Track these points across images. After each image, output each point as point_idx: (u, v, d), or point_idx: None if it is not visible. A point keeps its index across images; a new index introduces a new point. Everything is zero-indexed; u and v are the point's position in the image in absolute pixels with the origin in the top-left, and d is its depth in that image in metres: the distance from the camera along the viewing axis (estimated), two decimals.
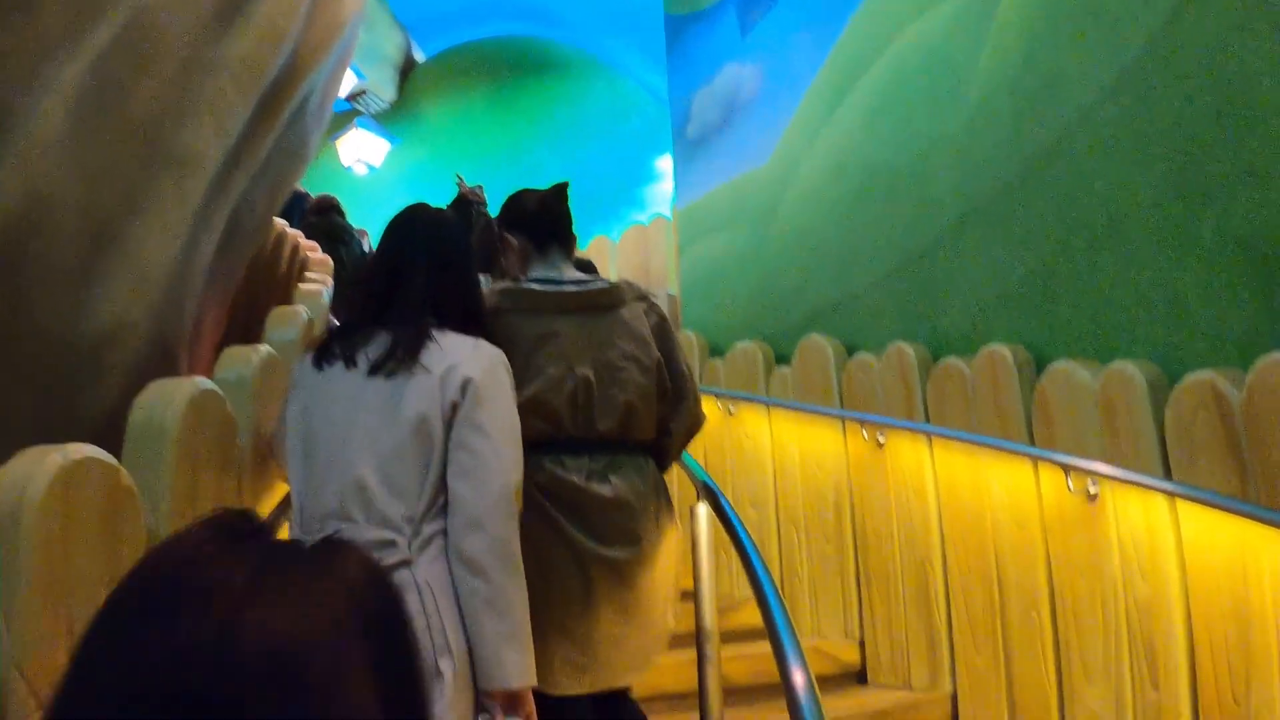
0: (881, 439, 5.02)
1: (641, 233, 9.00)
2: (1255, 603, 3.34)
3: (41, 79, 2.57)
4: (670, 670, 4.18)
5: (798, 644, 2.26)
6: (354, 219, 7.60)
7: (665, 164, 10.57)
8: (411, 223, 2.60)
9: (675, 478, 5.79)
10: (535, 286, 2.84)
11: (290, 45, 3.64)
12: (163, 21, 2.95)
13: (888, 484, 5.01)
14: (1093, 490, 3.92)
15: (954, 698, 4.58)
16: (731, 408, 5.96)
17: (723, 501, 3.32)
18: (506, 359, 2.45)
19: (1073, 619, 4.03)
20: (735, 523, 3.14)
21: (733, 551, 5.17)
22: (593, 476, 2.72)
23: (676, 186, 7.79)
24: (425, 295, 2.44)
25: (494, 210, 5.93)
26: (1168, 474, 3.69)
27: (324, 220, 6.65)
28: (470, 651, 2.18)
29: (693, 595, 3.48)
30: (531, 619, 2.29)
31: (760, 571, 2.70)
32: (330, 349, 2.41)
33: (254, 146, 3.71)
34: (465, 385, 2.30)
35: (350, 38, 4.46)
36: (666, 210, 8.94)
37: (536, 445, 2.59)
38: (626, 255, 8.88)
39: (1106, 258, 4.19)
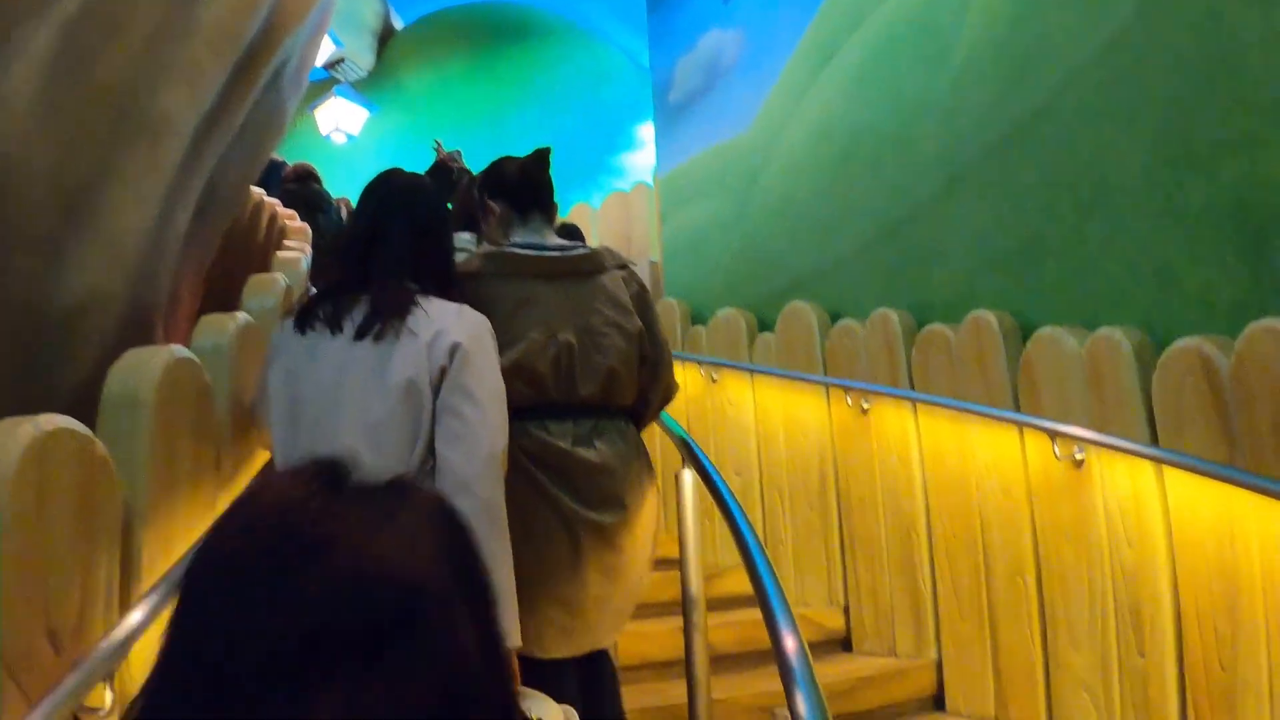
0: (866, 405, 5.00)
1: (623, 200, 8.96)
2: (1243, 569, 3.34)
3: (11, 44, 2.51)
4: (656, 638, 4.19)
5: (788, 608, 2.23)
6: (333, 188, 7.52)
7: (646, 131, 10.50)
8: (387, 187, 2.61)
9: (657, 444, 5.79)
10: (518, 251, 2.84)
11: (265, 10, 3.56)
12: None
13: (872, 451, 5.00)
14: (1079, 457, 3.91)
15: (939, 664, 4.59)
16: (714, 375, 5.94)
17: (708, 466, 3.30)
18: (490, 325, 2.45)
19: (1058, 586, 4.02)
20: (721, 487, 3.11)
21: (714, 520, 5.26)
22: (578, 441, 2.72)
23: (658, 153, 7.74)
24: (403, 260, 2.45)
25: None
26: (1154, 441, 3.67)
27: (301, 188, 6.58)
28: None
29: (678, 563, 3.47)
30: (519, 584, 2.29)
31: (748, 535, 2.68)
32: (312, 314, 2.40)
33: (229, 113, 3.65)
34: (453, 350, 2.30)
35: (327, 3, 4.38)
36: (648, 178, 8.89)
37: (520, 410, 2.57)
38: (608, 222, 8.83)
39: (1093, 224, 4.17)
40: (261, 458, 2.90)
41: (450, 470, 2.22)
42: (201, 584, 0.79)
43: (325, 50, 12.81)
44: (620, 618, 2.86)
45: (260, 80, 3.80)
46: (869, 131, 5.56)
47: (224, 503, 2.61)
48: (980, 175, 4.79)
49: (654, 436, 5.91)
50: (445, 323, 2.34)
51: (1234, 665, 3.35)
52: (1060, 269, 4.33)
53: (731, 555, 5.39)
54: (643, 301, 2.97)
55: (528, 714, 1.99)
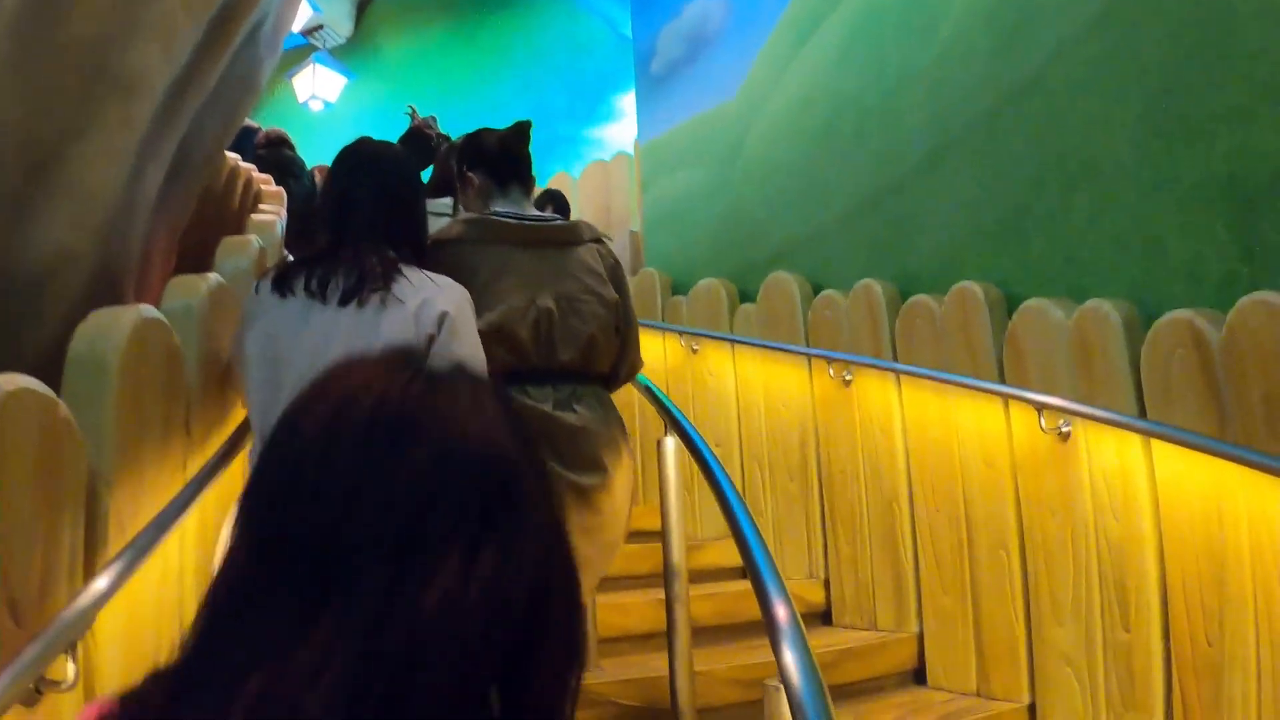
0: (848, 377, 4.95)
1: (603, 169, 8.88)
2: (1231, 544, 3.30)
3: None
4: (636, 610, 4.14)
5: (778, 575, 2.19)
6: (311, 155, 7.40)
7: (627, 102, 10.40)
8: (357, 156, 2.65)
9: (636, 413, 5.74)
10: (498, 218, 2.88)
11: None
12: None
13: (854, 423, 4.95)
14: (1064, 430, 3.87)
15: (920, 638, 4.55)
16: (695, 345, 5.88)
17: (691, 431, 3.25)
18: (469, 295, 2.49)
19: (1042, 559, 3.98)
20: (704, 451, 3.07)
21: (693, 493, 5.22)
22: (559, 405, 2.76)
23: (640, 123, 7.65)
24: (377, 227, 2.48)
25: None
26: (1142, 414, 3.64)
27: (273, 153, 6.47)
28: None
29: (659, 534, 3.42)
30: None
31: (734, 502, 2.63)
32: (291, 279, 2.41)
33: (204, 73, 3.57)
34: (442, 319, 2.34)
35: None
36: (628, 148, 8.81)
37: (500, 376, 2.52)
38: (588, 192, 8.76)
39: (1081, 196, 4.12)
40: (234, 422, 2.83)
41: None
42: (297, 461, 0.80)
43: (304, 17, 12.67)
44: (595, 578, 2.95)
45: (235, 39, 3.72)
46: (854, 101, 5.50)
47: (194, 466, 2.54)
48: (967, 146, 4.73)
49: (632, 406, 5.89)
50: (430, 291, 2.38)
51: (1221, 640, 3.33)
52: (1047, 241, 4.28)
53: (711, 528, 5.39)
54: (617, 276, 3.03)
55: None
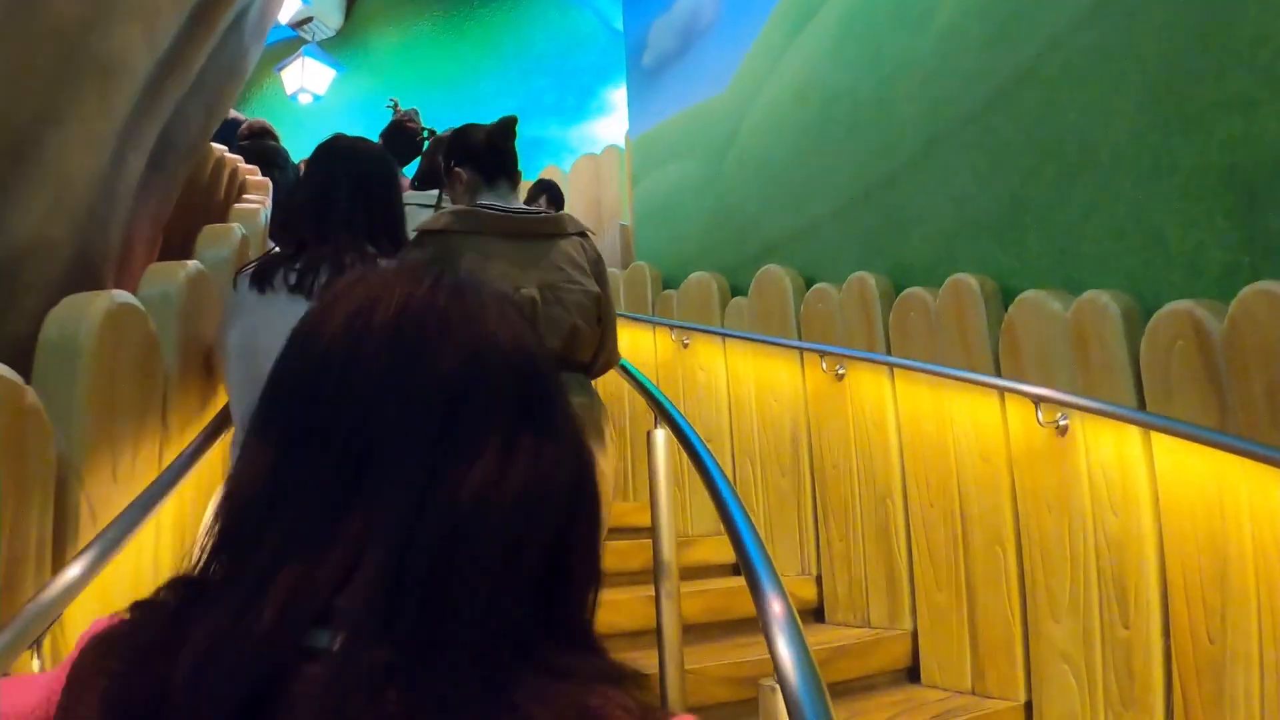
0: (841, 371, 4.89)
1: (594, 162, 8.82)
2: (1233, 538, 3.24)
3: None
4: (625, 607, 4.07)
5: (772, 568, 2.12)
6: (299, 148, 7.29)
7: (618, 95, 10.34)
8: (334, 153, 2.69)
9: (626, 407, 5.67)
10: (484, 209, 2.91)
11: None
12: None
13: (847, 417, 4.88)
14: (1062, 423, 3.81)
15: (914, 635, 4.48)
16: (685, 339, 5.82)
17: (682, 423, 3.18)
18: None
19: (1039, 555, 3.92)
20: (697, 444, 2.99)
21: (683, 488, 5.15)
22: None
23: (630, 116, 7.60)
24: (354, 222, 2.52)
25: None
26: (1142, 407, 3.58)
27: (256, 144, 6.40)
28: None
29: (648, 530, 3.36)
30: None
31: (726, 492, 2.56)
32: (270, 274, 2.44)
33: (187, 59, 3.53)
34: None
35: None
36: (619, 141, 8.76)
37: None
38: (578, 186, 8.69)
39: (1078, 187, 4.07)
40: (212, 411, 2.75)
41: None
42: (322, 358, 0.79)
43: (293, 9, 12.61)
44: None
45: (220, 25, 3.68)
46: (848, 93, 5.43)
47: (171, 456, 2.46)
48: (961, 137, 4.67)
49: (622, 400, 5.81)
50: None
51: (1223, 637, 3.27)
52: (1043, 233, 4.22)
53: (702, 524, 5.34)
54: (599, 269, 3.05)
55: None
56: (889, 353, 4.74)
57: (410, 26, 13.36)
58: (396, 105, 6.98)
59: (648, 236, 7.03)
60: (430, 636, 0.69)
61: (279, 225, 5.11)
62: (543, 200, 6.42)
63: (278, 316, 2.31)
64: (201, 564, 0.77)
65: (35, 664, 1.72)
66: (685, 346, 5.81)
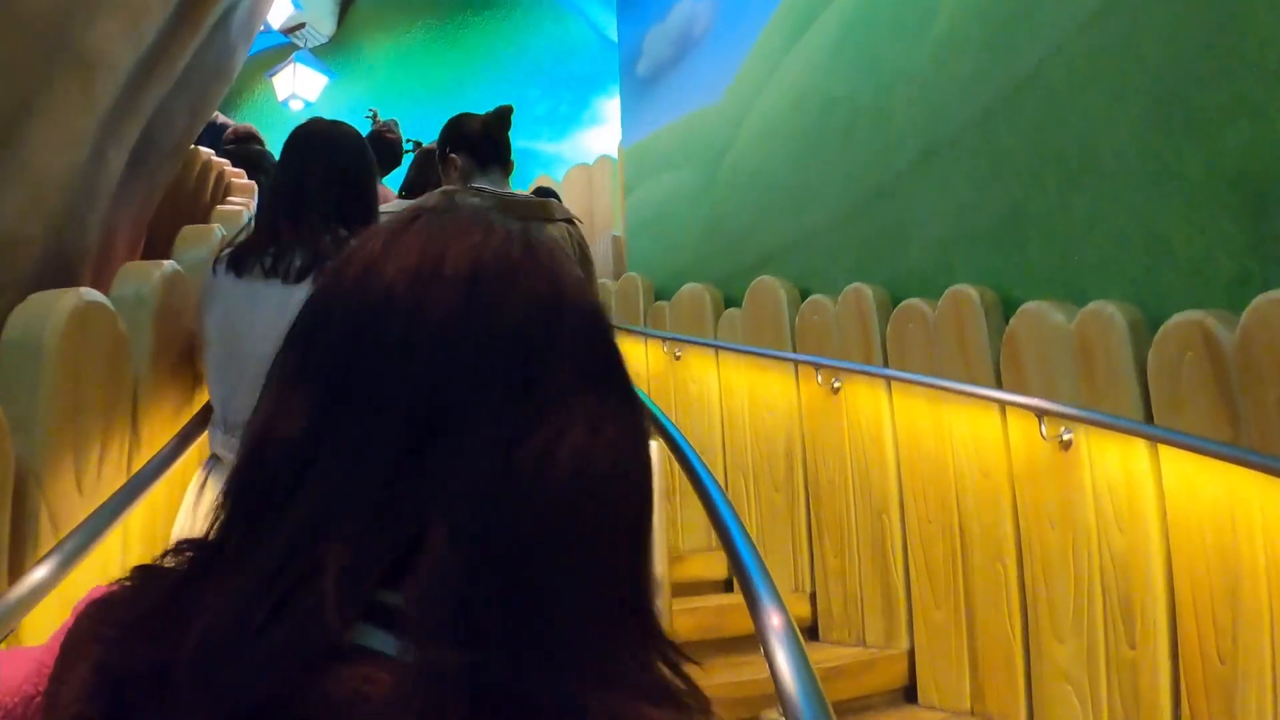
0: (837, 384, 4.79)
1: (586, 172, 8.77)
2: (1245, 555, 3.14)
3: None
4: None
5: (770, 580, 2.02)
6: None
7: (611, 105, 10.30)
8: (308, 138, 2.68)
9: None
10: (473, 190, 2.97)
11: None
12: None
13: (843, 431, 4.79)
14: (1066, 437, 3.71)
15: (911, 654, 4.38)
16: (677, 351, 5.73)
17: (674, 432, 3.08)
18: None
19: (1041, 572, 3.82)
20: (688, 452, 2.89)
21: (673, 503, 5.06)
22: None
23: (624, 125, 7.54)
24: (328, 204, 2.51)
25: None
26: (1149, 420, 3.47)
27: (242, 148, 6.37)
28: None
29: None
30: None
31: (720, 502, 2.48)
32: (247, 258, 2.45)
33: (172, 55, 3.45)
34: None
35: None
36: (612, 151, 8.71)
37: None
38: (571, 196, 8.62)
39: (1081, 195, 3.97)
40: (186, 417, 2.64)
41: None
42: (381, 305, 0.69)
43: (285, 15, 12.57)
44: None
45: (206, 22, 3.61)
46: (845, 101, 5.35)
47: (139, 464, 2.35)
48: (960, 146, 4.58)
49: None
50: None
51: (1234, 657, 3.16)
52: (1044, 242, 4.13)
53: (693, 540, 5.24)
54: (583, 255, 3.09)
55: None
56: (886, 365, 4.64)
57: (403, 34, 13.33)
58: (376, 115, 6.98)
59: (640, 247, 6.96)
60: (517, 636, 0.58)
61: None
62: None
63: (254, 300, 2.37)
64: (216, 530, 0.66)
65: None
66: (677, 359, 5.72)
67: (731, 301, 5.77)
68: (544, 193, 6.68)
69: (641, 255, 6.89)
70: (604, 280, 6.78)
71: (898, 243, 4.91)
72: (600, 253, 7.49)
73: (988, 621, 4.04)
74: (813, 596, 4.86)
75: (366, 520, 0.61)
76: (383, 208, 2.71)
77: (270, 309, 2.33)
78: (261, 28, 5.47)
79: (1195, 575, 3.30)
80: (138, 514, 2.20)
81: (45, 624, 1.89)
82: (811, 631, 4.82)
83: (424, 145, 6.29)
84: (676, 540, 5.21)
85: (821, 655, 4.44)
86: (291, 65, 12.78)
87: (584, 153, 10.70)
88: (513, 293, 0.69)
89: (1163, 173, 3.65)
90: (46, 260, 2.79)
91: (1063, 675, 3.71)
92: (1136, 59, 3.78)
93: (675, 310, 6.03)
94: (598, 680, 0.59)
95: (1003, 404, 3.99)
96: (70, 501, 2.06)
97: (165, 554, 0.67)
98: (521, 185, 7.34)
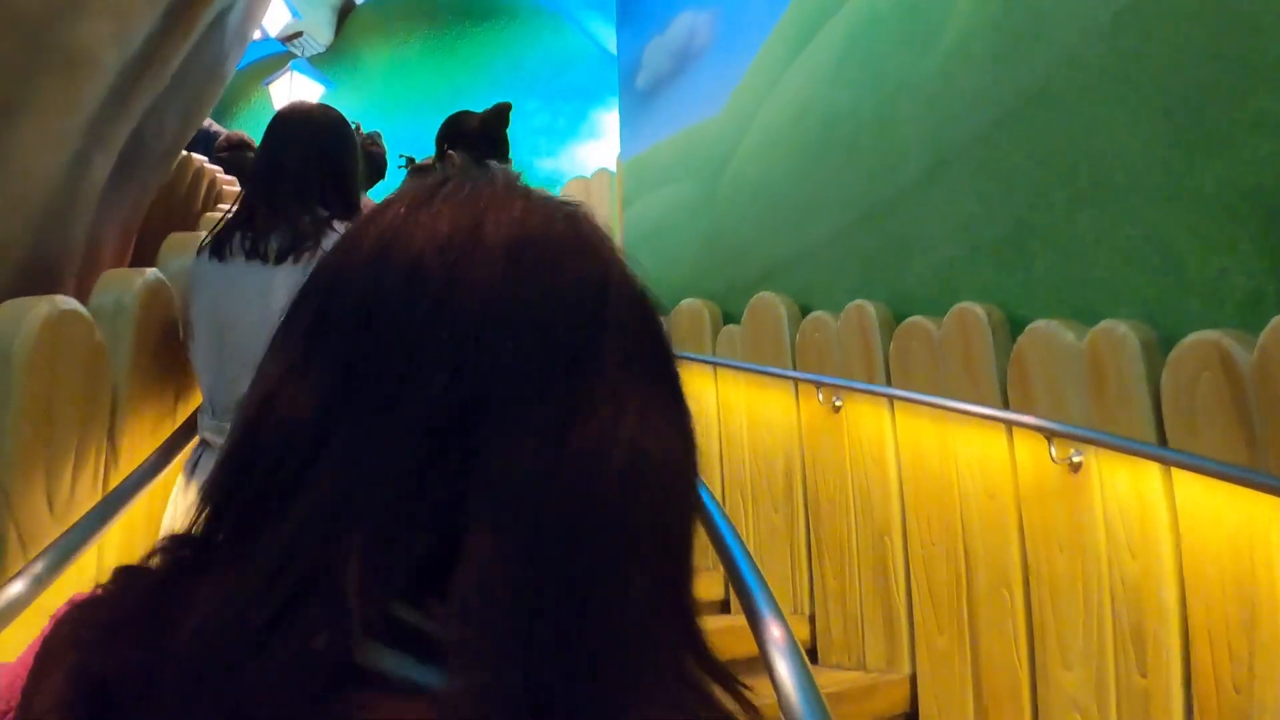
0: (838, 402, 4.70)
1: (584, 185, 8.71)
2: (1262, 581, 3.04)
3: None
4: None
5: (769, 594, 1.95)
6: None
7: (610, 117, 10.25)
8: (287, 122, 2.71)
9: None
10: None
11: None
12: None
13: (844, 450, 4.69)
14: (1076, 459, 3.61)
15: (913, 680, 4.28)
16: None
17: None
18: None
19: (1049, 598, 3.72)
20: None
21: None
22: None
23: (622, 138, 7.46)
24: (308, 186, 2.52)
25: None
26: (1162, 442, 3.38)
27: (235, 155, 6.34)
28: None
29: None
30: None
31: (718, 517, 2.45)
32: (228, 241, 2.47)
33: (162, 59, 3.38)
34: None
35: None
36: (610, 164, 8.64)
37: None
38: None
39: (1090, 211, 3.89)
40: (168, 430, 2.55)
41: None
42: (411, 275, 0.61)
43: (283, 23, 12.55)
44: None
45: (198, 24, 3.54)
46: (849, 114, 5.27)
47: (115, 480, 2.25)
48: (967, 160, 4.50)
49: None
50: None
51: (1249, 687, 3.06)
52: (1052, 259, 4.05)
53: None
54: None
55: None
56: (889, 384, 4.55)
57: (401, 44, 13.30)
58: (359, 128, 6.92)
59: (638, 261, 6.85)
60: (573, 656, 0.52)
61: None
62: None
63: (237, 283, 2.41)
64: (205, 520, 0.60)
65: None
66: None
67: (730, 317, 5.69)
68: None
69: (639, 269, 6.78)
70: None
71: (901, 259, 4.82)
72: None
73: (993, 647, 3.94)
74: (812, 618, 4.76)
75: (394, 513, 0.54)
76: None
77: (253, 291, 2.37)
78: (257, 34, 5.42)
79: (1210, 602, 3.21)
80: (114, 532, 2.11)
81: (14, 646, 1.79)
82: (810, 654, 4.71)
83: (417, 162, 6.23)
84: None
85: (821, 679, 4.30)
86: (289, 74, 12.75)
87: (581, 166, 10.65)
88: (559, 267, 0.65)
89: (1175, 188, 3.58)
90: (25, 264, 2.73)
91: (1071, 704, 3.61)
92: (1149, 72, 3.71)
93: (673, 326, 5.94)
94: (655, 699, 0.54)
95: (1010, 424, 3.90)
96: (39, 522, 1.96)
97: (151, 554, 0.61)
98: None
